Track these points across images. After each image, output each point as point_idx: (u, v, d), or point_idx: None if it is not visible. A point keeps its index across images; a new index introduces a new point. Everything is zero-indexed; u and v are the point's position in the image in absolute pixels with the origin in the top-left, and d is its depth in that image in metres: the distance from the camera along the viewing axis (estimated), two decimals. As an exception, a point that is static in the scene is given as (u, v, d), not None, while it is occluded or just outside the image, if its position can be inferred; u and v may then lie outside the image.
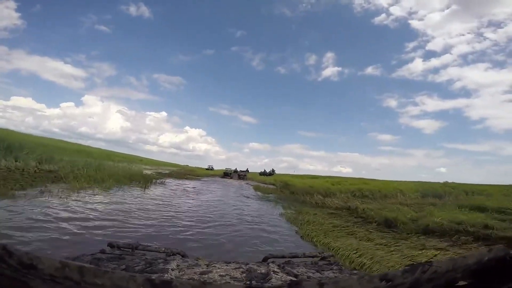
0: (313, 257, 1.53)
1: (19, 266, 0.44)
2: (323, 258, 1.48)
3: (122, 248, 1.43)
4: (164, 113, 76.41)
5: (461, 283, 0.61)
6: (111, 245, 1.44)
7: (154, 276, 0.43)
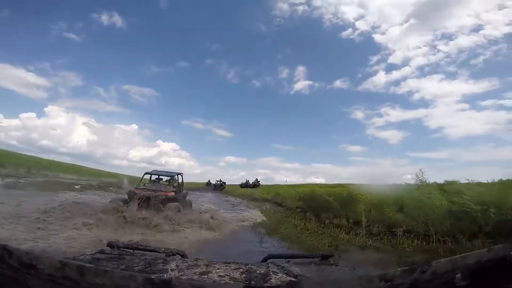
0: (313, 257, 1.53)
1: (19, 265, 0.44)
2: (323, 258, 1.48)
3: (121, 248, 1.43)
4: (134, 126, 73.39)
5: (461, 283, 0.61)
6: (110, 245, 1.44)
7: (153, 276, 0.43)
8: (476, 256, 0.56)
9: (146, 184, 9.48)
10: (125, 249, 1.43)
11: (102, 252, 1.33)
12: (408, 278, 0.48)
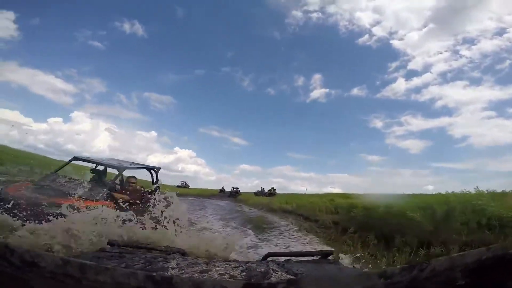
0: (312, 255, 1.53)
1: (21, 263, 0.44)
2: (323, 256, 1.49)
3: (122, 247, 1.44)
4: (154, 133, 73.37)
5: (460, 281, 0.61)
6: (111, 243, 1.45)
7: (154, 274, 0.43)
8: (475, 255, 0.56)
9: (56, 180, 4.67)
10: (125, 248, 1.44)
11: (103, 250, 1.34)
12: (407, 276, 0.48)
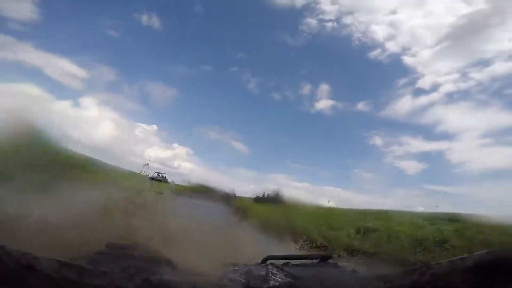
0: (312, 258, 1.52)
1: (18, 266, 0.44)
2: (322, 260, 1.48)
3: (120, 249, 1.42)
4: (155, 127, 70.35)
5: (460, 285, 0.61)
6: (109, 245, 1.43)
7: (152, 277, 0.43)
8: (474, 258, 0.56)
9: None
10: (123, 250, 1.42)
11: (100, 253, 1.33)
12: (408, 279, 0.48)
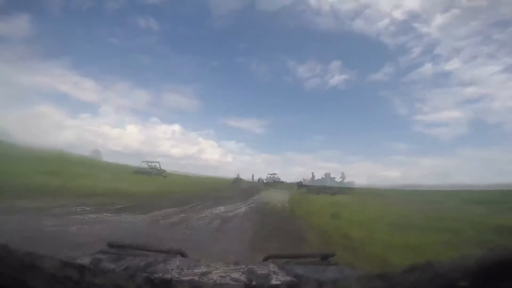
0: (313, 257, 1.52)
1: (20, 265, 0.44)
2: (323, 258, 1.48)
3: (122, 248, 1.43)
4: (177, 125, 74.73)
5: (461, 283, 0.60)
6: (111, 245, 1.44)
7: (154, 276, 0.43)
8: (476, 257, 0.56)
9: None
10: (125, 249, 1.43)
11: (102, 252, 1.34)
12: (408, 278, 0.48)
